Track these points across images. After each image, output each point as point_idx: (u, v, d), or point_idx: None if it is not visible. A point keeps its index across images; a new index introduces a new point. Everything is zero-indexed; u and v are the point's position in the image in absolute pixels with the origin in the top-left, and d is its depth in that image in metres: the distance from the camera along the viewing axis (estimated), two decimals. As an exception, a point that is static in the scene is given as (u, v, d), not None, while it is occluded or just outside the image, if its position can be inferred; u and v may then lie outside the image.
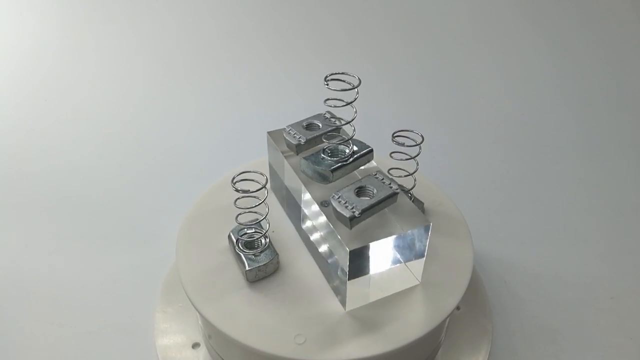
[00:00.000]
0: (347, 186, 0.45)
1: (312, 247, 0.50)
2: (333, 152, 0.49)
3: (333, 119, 0.52)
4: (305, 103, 0.49)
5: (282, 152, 0.52)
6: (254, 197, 0.46)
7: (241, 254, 0.48)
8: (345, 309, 0.46)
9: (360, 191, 0.45)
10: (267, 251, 0.49)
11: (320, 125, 0.52)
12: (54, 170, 0.81)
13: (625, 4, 1.10)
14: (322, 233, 0.47)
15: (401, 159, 0.51)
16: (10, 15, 1.15)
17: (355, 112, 0.49)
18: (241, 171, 0.47)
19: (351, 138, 0.49)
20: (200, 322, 0.54)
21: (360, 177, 0.47)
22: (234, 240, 0.50)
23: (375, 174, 0.46)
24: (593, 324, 0.59)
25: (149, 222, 0.71)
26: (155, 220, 0.71)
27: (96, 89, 0.99)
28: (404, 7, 1.15)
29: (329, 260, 0.47)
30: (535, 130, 0.88)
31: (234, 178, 0.46)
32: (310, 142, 0.50)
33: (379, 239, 0.42)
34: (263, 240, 0.49)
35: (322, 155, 0.48)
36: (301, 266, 0.50)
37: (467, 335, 0.56)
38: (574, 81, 0.98)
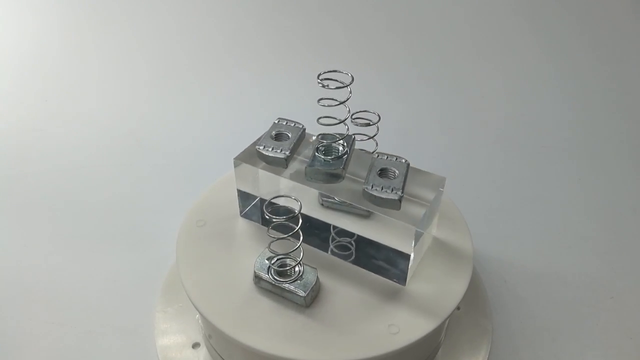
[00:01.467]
0: (369, 175, 0.46)
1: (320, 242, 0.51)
2: (327, 151, 0.49)
3: (291, 123, 0.52)
4: (306, 103, 0.49)
5: (269, 170, 0.50)
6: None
7: (285, 285, 0.46)
8: (405, 285, 0.47)
9: (382, 173, 0.47)
10: (306, 272, 0.47)
11: (289, 134, 0.50)
12: (54, 170, 0.81)
13: (625, 4, 1.10)
14: (365, 226, 0.48)
15: (362, 140, 0.52)
16: (11, 16, 1.15)
17: (349, 111, 0.49)
18: (275, 196, 0.46)
19: (345, 136, 0.50)
20: (200, 322, 0.54)
21: (357, 164, 0.49)
22: (265, 276, 0.46)
23: (378, 156, 0.48)
24: (593, 324, 0.59)
25: (149, 222, 0.71)
26: (155, 221, 0.71)
27: (96, 89, 0.99)
28: (404, 7, 1.15)
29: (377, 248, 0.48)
30: (535, 130, 0.88)
31: (267, 205, 0.44)
32: (293, 152, 0.50)
33: (422, 215, 0.45)
34: (297, 268, 0.47)
35: (320, 157, 0.48)
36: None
37: (467, 335, 0.56)
38: (574, 81, 0.98)
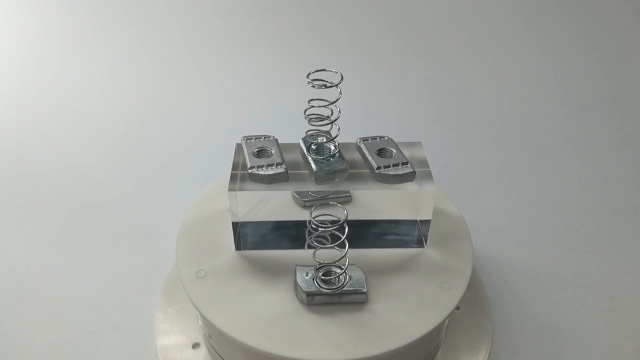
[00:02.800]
0: (371, 159, 0.48)
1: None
2: (319, 151, 0.49)
3: (260, 138, 0.51)
4: (306, 103, 0.49)
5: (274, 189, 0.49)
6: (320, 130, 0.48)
7: (345, 290, 0.46)
8: (425, 246, 0.50)
9: (382, 154, 0.48)
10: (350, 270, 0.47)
11: (269, 148, 0.49)
12: (54, 170, 0.81)
13: (625, 4, 1.10)
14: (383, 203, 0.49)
15: (320, 106, 0.49)
16: (12, 16, 1.15)
17: (339, 111, 0.48)
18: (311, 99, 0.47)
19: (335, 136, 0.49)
20: (200, 322, 0.54)
21: (352, 152, 0.50)
22: (318, 291, 0.46)
23: (366, 139, 0.49)
24: (593, 324, 0.59)
25: (149, 222, 0.71)
26: (155, 220, 0.71)
27: (97, 90, 0.99)
28: (404, 7, 1.15)
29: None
30: (535, 130, 0.88)
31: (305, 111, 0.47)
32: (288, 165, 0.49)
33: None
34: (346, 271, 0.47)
35: (318, 159, 0.48)
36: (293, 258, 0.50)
37: (467, 335, 0.56)
38: (574, 81, 0.98)
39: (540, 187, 0.78)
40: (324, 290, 0.45)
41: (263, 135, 0.50)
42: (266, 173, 0.47)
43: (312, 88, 0.47)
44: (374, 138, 0.51)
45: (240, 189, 0.47)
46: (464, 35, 1.09)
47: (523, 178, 0.79)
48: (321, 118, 0.48)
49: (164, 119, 0.92)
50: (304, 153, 0.49)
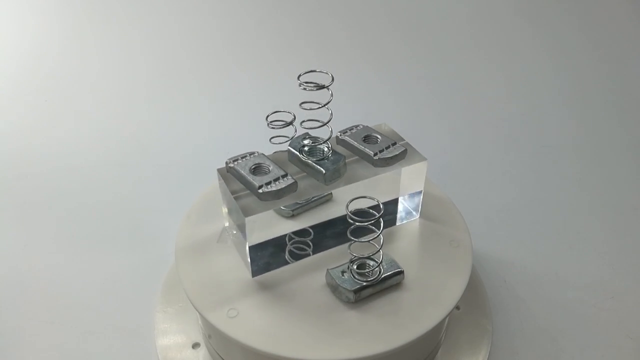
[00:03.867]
0: (361, 147, 0.49)
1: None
2: (313, 153, 0.48)
3: (246, 156, 0.50)
4: (311, 100, 0.50)
5: (285, 205, 0.48)
6: (284, 135, 0.49)
7: (385, 276, 0.47)
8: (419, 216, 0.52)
9: (369, 140, 0.50)
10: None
11: (263, 162, 0.48)
12: (54, 170, 0.81)
13: (625, 4, 1.10)
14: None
15: (311, 109, 0.48)
16: (11, 16, 1.15)
17: (331, 113, 0.48)
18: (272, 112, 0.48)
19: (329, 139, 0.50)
20: (200, 322, 0.54)
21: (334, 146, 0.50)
22: (364, 285, 0.46)
23: (345, 131, 0.50)
24: (593, 324, 0.59)
25: (149, 222, 0.71)
26: (155, 220, 0.71)
27: (97, 90, 0.99)
28: (404, 7, 1.15)
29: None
30: (535, 130, 0.88)
31: (267, 117, 0.48)
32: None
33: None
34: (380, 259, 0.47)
35: (319, 161, 0.48)
36: (303, 266, 0.50)
37: (467, 335, 0.56)
38: (574, 81, 0.98)
39: (540, 187, 0.78)
40: (368, 283, 0.46)
41: (247, 153, 0.48)
42: (277, 188, 0.45)
43: (307, 89, 0.47)
44: (350, 129, 0.52)
45: (258, 212, 0.45)
46: (464, 35, 1.09)
47: (523, 178, 0.79)
48: (284, 124, 0.48)
49: (164, 119, 0.92)
50: (298, 158, 0.48)
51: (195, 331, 0.56)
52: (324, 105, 0.48)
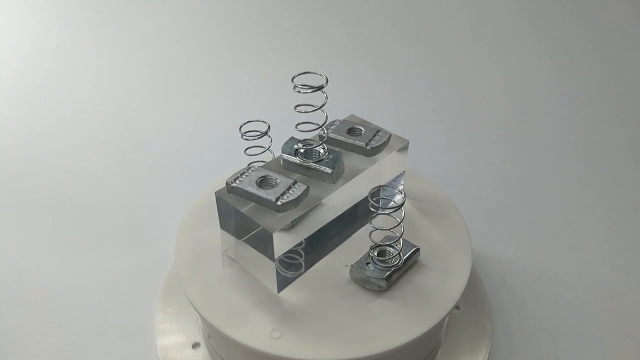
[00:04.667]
0: (349, 140, 0.50)
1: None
2: (307, 155, 0.48)
3: (246, 173, 0.49)
4: (310, 99, 0.50)
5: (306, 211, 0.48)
6: (260, 146, 0.49)
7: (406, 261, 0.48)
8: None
9: (353, 132, 0.52)
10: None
11: (268, 174, 0.47)
12: (54, 170, 0.81)
13: (625, 3, 1.10)
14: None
15: (306, 111, 0.47)
16: (11, 15, 1.15)
17: (326, 116, 0.48)
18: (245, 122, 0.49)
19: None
20: (200, 322, 0.54)
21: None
22: (386, 275, 0.47)
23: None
24: (593, 324, 0.59)
25: (149, 222, 0.71)
26: (155, 220, 0.71)
27: (97, 89, 0.99)
28: (404, 6, 1.15)
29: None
30: (535, 130, 0.88)
31: (240, 127, 0.49)
32: (331, 141, 0.51)
33: (235, 205, 0.45)
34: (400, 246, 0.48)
35: (314, 159, 0.48)
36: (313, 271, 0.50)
37: (467, 335, 0.56)
38: (574, 81, 0.98)
39: (540, 187, 0.78)
40: (395, 267, 0.47)
41: (243, 170, 0.47)
42: (295, 197, 0.44)
43: (301, 91, 0.46)
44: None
45: (282, 225, 0.43)
46: (464, 34, 1.09)
47: (523, 178, 0.79)
48: (259, 134, 0.49)
49: (164, 119, 0.92)
50: (297, 164, 0.48)
51: (195, 331, 0.56)
52: (319, 108, 0.47)
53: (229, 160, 0.53)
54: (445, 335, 0.55)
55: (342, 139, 0.51)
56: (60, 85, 1.00)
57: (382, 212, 0.45)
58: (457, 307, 0.57)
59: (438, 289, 0.47)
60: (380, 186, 0.48)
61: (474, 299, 0.59)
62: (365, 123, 0.54)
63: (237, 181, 0.45)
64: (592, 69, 1.00)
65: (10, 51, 1.07)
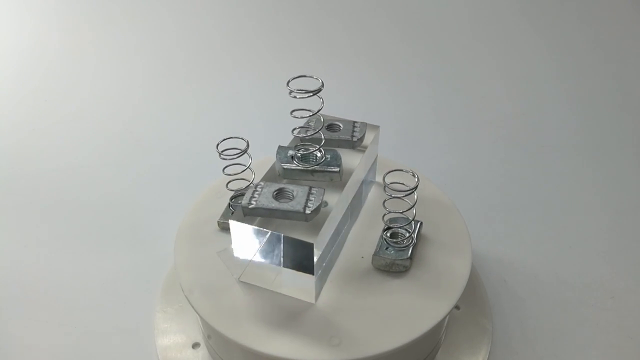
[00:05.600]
0: (334, 138, 0.50)
1: None
2: (303, 155, 0.48)
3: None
4: (306, 103, 0.49)
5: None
6: (239, 164, 0.48)
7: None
8: (234, 276, 0.48)
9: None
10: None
11: (283, 186, 0.46)
12: (54, 170, 0.81)
13: (626, 3, 1.10)
14: None
15: (302, 117, 0.48)
16: (11, 16, 1.15)
17: (323, 121, 0.49)
18: (224, 138, 0.49)
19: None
20: (200, 322, 0.54)
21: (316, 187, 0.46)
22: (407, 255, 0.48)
23: (314, 190, 0.45)
24: (593, 324, 0.59)
25: (149, 222, 0.71)
26: (155, 220, 0.71)
27: (97, 90, 0.99)
28: (404, 6, 1.15)
29: None
30: (535, 130, 0.88)
31: (218, 145, 0.48)
32: (313, 140, 0.50)
33: (260, 226, 0.43)
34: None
35: (314, 163, 0.48)
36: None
37: (467, 335, 0.56)
38: (574, 81, 0.98)
39: (540, 187, 0.78)
40: (412, 245, 0.49)
41: (249, 189, 0.45)
42: (319, 202, 0.44)
43: (316, 86, 0.46)
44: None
45: (318, 232, 0.43)
46: (464, 34, 1.09)
47: (523, 178, 0.79)
48: (238, 153, 0.49)
49: (164, 119, 0.92)
50: (300, 170, 0.48)
51: (195, 331, 0.56)
52: (316, 113, 0.47)
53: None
54: (445, 335, 0.55)
55: (327, 136, 0.51)
56: (60, 85, 1.00)
57: (397, 195, 0.47)
58: (457, 307, 0.57)
59: (437, 289, 0.47)
60: (392, 170, 0.48)
61: (474, 299, 0.59)
62: (336, 118, 0.54)
63: (253, 201, 0.43)
64: (592, 69, 1.00)
65: (10, 51, 1.07)
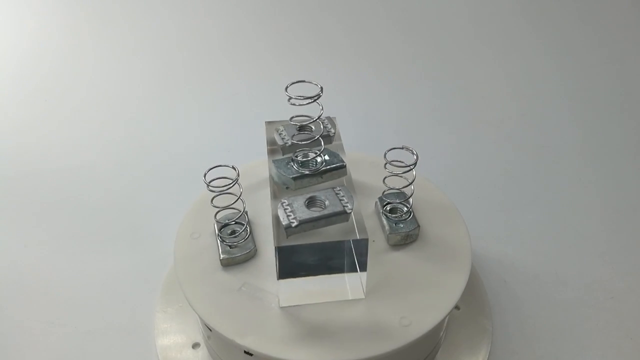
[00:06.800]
0: (301, 195, 0.44)
1: None
2: (304, 162, 0.47)
3: (328, 126, 0.51)
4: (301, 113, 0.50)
5: (268, 145, 0.51)
6: (230, 193, 0.47)
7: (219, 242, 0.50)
8: (279, 304, 0.45)
9: (311, 202, 0.44)
10: (246, 242, 0.50)
11: (312, 195, 0.46)
12: (54, 170, 0.81)
13: (625, 3, 1.10)
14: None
15: (302, 123, 0.51)
16: (10, 16, 1.15)
17: (322, 127, 0.48)
18: (211, 167, 0.47)
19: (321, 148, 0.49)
20: (200, 323, 0.54)
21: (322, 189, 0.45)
22: (215, 231, 0.50)
23: (338, 189, 0.45)
24: (593, 324, 0.59)
25: (149, 222, 0.71)
26: (155, 220, 0.71)
27: (96, 90, 0.99)
28: (404, 7, 1.15)
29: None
30: (535, 130, 0.88)
31: (205, 175, 0.46)
32: (296, 146, 0.49)
33: (309, 242, 0.42)
34: (243, 233, 0.50)
35: (291, 162, 0.47)
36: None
37: (467, 335, 0.56)
38: (575, 81, 0.98)
39: (540, 187, 0.78)
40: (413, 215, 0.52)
41: (236, 218, 0.47)
42: (352, 200, 0.44)
43: (317, 87, 0.46)
44: (343, 196, 0.47)
45: (365, 227, 0.43)
46: (464, 34, 1.09)
47: (523, 178, 0.79)
48: (230, 182, 0.48)
49: (164, 119, 0.92)
50: (310, 174, 0.47)
51: (195, 331, 0.56)
52: (316, 119, 0.47)
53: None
54: (445, 335, 0.55)
55: (307, 138, 0.49)
56: (60, 85, 1.00)
57: (397, 173, 0.49)
58: (456, 307, 0.57)
59: (437, 290, 0.47)
60: (392, 149, 0.49)
61: (474, 299, 0.59)
62: (302, 119, 0.52)
63: (294, 219, 0.42)
64: (592, 69, 1.00)
65: (10, 51, 1.07)
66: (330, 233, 0.43)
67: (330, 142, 0.52)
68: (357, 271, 0.45)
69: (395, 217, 0.52)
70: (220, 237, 0.50)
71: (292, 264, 0.43)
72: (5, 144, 0.86)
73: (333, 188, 0.45)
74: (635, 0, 1.11)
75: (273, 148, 0.51)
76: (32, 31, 1.12)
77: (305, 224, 0.42)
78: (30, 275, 0.64)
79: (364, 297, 0.46)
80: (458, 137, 0.88)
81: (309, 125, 0.52)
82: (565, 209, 0.74)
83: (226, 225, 0.51)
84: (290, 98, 0.44)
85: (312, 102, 0.45)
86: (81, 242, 0.69)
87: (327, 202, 0.43)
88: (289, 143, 0.49)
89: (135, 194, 0.76)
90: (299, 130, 0.51)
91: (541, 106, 0.93)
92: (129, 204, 0.75)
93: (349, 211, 0.43)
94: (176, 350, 0.54)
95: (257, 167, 0.58)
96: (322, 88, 0.45)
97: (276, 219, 0.43)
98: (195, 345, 0.55)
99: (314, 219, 0.42)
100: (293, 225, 0.41)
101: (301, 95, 0.44)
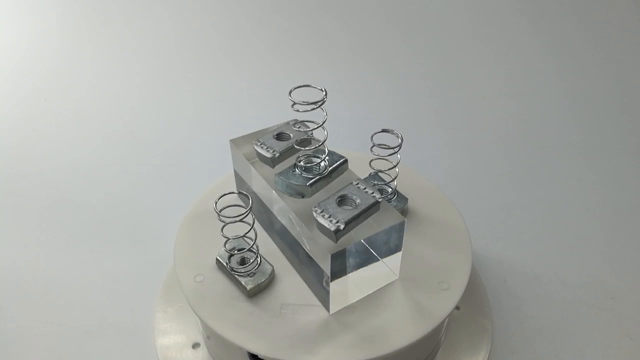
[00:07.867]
0: (328, 197, 0.44)
1: (286, 251, 0.50)
2: (307, 167, 0.47)
3: (301, 128, 0.51)
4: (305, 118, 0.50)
5: (248, 159, 0.51)
6: (243, 221, 0.43)
7: (236, 275, 0.47)
8: (329, 312, 0.45)
9: (342, 201, 0.44)
10: (262, 267, 0.48)
11: (291, 134, 0.50)
12: (54, 170, 0.81)
13: (626, 3, 1.10)
14: (299, 241, 0.46)
15: (306, 129, 0.51)
16: (10, 16, 1.15)
17: (327, 133, 0.47)
18: (221, 195, 0.45)
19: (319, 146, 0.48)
20: (200, 323, 0.54)
21: (339, 187, 0.45)
22: (224, 264, 0.48)
23: (357, 183, 0.45)
24: (593, 324, 0.59)
25: (149, 222, 0.71)
26: (155, 220, 0.71)
27: (96, 89, 0.99)
28: (404, 7, 1.15)
29: (308, 266, 0.46)
30: (535, 130, 0.88)
31: (216, 203, 0.43)
32: (284, 154, 0.49)
33: (357, 240, 0.42)
34: (256, 259, 0.48)
35: (296, 170, 0.47)
36: (290, 270, 0.50)
37: (467, 335, 0.56)
38: (574, 81, 0.98)
39: (540, 187, 0.78)
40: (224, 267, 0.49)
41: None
42: (259, 151, 0.48)
43: (318, 87, 0.45)
44: (365, 188, 0.47)
45: (234, 142, 0.50)
46: (464, 34, 1.09)
47: (523, 178, 0.79)
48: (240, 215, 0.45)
49: (164, 119, 0.92)
50: (320, 177, 0.47)
51: (195, 331, 0.56)
52: (320, 126, 0.46)
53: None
54: (445, 335, 0.55)
55: (292, 142, 0.49)
56: (60, 85, 1.00)
57: (382, 156, 0.50)
58: (457, 307, 0.57)
59: (438, 290, 0.47)
60: (383, 130, 0.50)
61: (474, 299, 0.59)
62: (277, 126, 0.52)
63: (335, 224, 0.41)
64: (592, 69, 1.00)
65: (10, 51, 1.07)
66: (371, 222, 0.44)
67: (311, 144, 0.51)
68: (391, 255, 0.46)
69: (383, 197, 0.49)
70: (233, 269, 0.47)
71: (340, 265, 0.43)
72: (5, 144, 0.86)
73: (352, 183, 0.45)
74: (635, 0, 1.11)
75: (254, 161, 0.50)
76: (31, 31, 1.12)
77: (350, 224, 0.42)
78: (30, 275, 0.64)
79: (397, 277, 0.48)
80: (458, 137, 0.88)
81: (285, 132, 0.50)
82: (565, 209, 0.74)
83: (231, 256, 0.49)
84: (294, 103, 0.43)
85: (316, 107, 0.43)
86: (81, 242, 0.69)
87: (357, 195, 0.43)
88: (277, 155, 0.48)
89: (136, 194, 0.76)
90: (277, 138, 0.50)
91: (541, 106, 0.93)
92: (128, 204, 0.75)
93: (380, 200, 0.43)
94: (176, 350, 0.54)
95: (215, 189, 0.57)
96: (326, 92, 0.44)
97: (321, 227, 0.42)
98: (195, 345, 0.55)
99: (355, 217, 0.42)
100: (341, 228, 0.41)
101: (305, 100, 0.43)
